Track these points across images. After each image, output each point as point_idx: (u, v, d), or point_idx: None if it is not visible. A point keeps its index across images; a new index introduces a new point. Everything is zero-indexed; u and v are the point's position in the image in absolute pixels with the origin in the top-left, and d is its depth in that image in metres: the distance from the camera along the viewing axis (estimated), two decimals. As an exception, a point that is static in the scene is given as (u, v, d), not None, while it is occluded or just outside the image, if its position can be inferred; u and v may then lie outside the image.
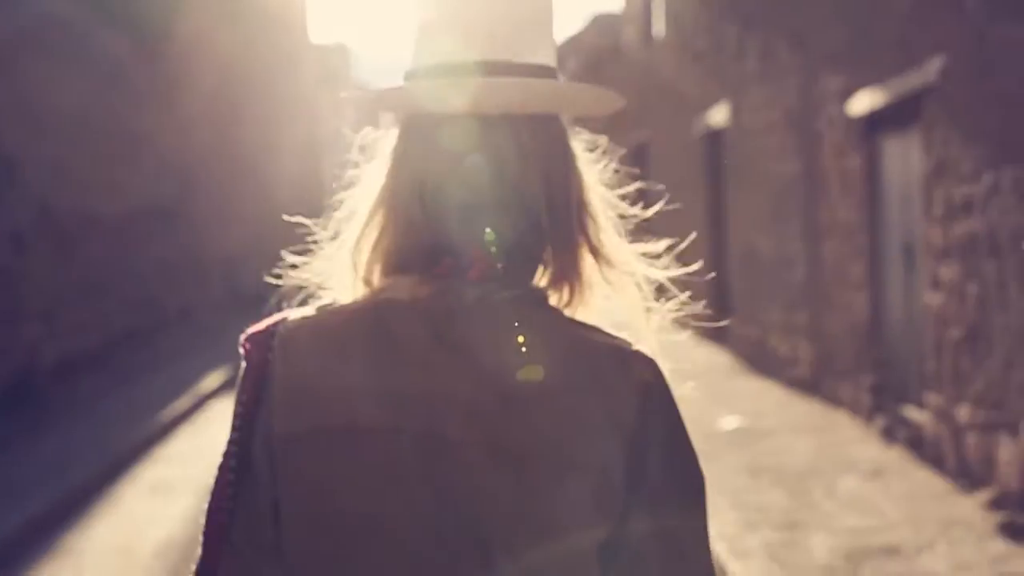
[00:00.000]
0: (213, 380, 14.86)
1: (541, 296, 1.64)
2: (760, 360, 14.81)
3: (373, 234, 1.65)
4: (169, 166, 18.86)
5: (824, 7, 12.09)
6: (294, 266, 1.76)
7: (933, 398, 9.47)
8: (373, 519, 1.52)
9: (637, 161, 19.47)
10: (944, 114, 9.16)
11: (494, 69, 1.60)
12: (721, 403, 12.47)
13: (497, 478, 1.51)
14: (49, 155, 13.80)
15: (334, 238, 1.72)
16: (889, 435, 10.33)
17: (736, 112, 15.68)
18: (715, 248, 17.13)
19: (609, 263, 1.69)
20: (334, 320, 1.60)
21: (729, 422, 11.44)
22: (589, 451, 1.53)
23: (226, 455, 1.62)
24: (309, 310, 1.65)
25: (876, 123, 10.88)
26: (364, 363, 1.55)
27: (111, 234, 15.86)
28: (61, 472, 10.16)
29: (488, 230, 1.56)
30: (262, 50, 27.76)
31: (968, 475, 8.80)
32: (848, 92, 11.30)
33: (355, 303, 1.63)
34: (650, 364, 1.61)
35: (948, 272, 9.10)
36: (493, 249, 1.56)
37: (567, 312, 1.68)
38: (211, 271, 21.27)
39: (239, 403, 1.62)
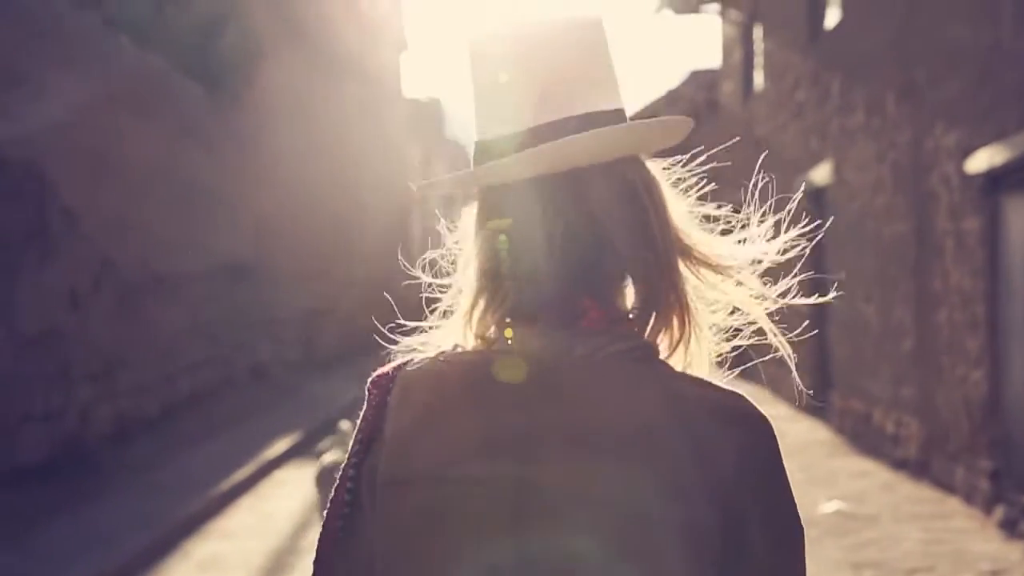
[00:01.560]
0: (280, 446, 14.07)
1: (651, 349, 1.63)
2: (863, 438, 13.76)
3: (481, 303, 1.65)
4: (246, 220, 18.26)
5: (938, 55, 11.14)
6: (404, 332, 1.81)
7: (1063, 490, 8.43)
8: (457, 568, 1.52)
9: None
10: (1078, 172, 8.18)
11: (550, 131, 1.60)
12: (820, 484, 11.47)
13: (584, 531, 1.50)
14: (114, 208, 13.19)
15: (445, 315, 1.75)
16: (1011, 528, 9.27)
17: (839, 169, 14.71)
18: (816, 315, 16.13)
19: (707, 262, 1.69)
20: (450, 368, 1.62)
21: (829, 506, 10.44)
22: (676, 508, 1.49)
23: (338, 488, 1.65)
24: (430, 354, 1.67)
25: (998, 182, 9.90)
26: (469, 412, 1.57)
27: (180, 291, 15.23)
28: (106, 545, 9.43)
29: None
30: (352, 102, 27.22)
31: (1106, 581, 7.76)
32: (966, 148, 10.33)
33: (472, 352, 1.65)
34: (756, 421, 1.56)
35: (1082, 349, 8.08)
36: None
37: (678, 361, 1.67)
38: (287, 329, 20.54)
39: (356, 442, 1.65)
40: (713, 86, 24.24)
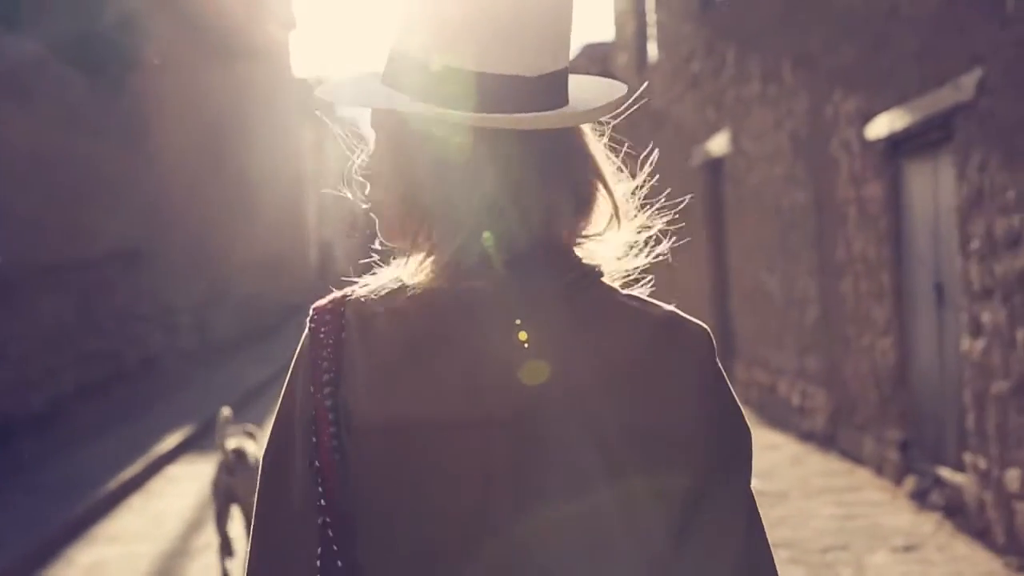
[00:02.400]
0: (172, 440, 13.56)
1: (598, 275, 1.64)
2: (768, 409, 13.58)
3: (431, 238, 1.58)
4: (135, 207, 17.61)
5: (833, 21, 10.93)
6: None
7: (974, 459, 8.26)
8: (456, 514, 1.51)
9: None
10: (981, 135, 7.98)
11: (526, 87, 1.58)
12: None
13: (588, 463, 1.52)
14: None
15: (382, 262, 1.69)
16: (922, 499, 9.11)
17: (737, 139, 14.49)
18: (717, 286, 15.94)
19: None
20: (413, 307, 1.57)
21: (739, 483, 10.21)
22: (659, 422, 1.55)
23: (319, 432, 1.53)
24: (375, 288, 1.61)
25: (899, 147, 9.71)
26: (447, 350, 1.53)
27: (66, 281, 14.64)
28: (-17, 555, 8.94)
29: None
30: (241, 84, 26.55)
31: (1021, 552, 7.58)
32: (865, 113, 10.13)
33: (431, 291, 1.57)
34: (703, 333, 1.64)
35: (991, 315, 7.90)
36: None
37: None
38: (181, 317, 19.91)
39: (320, 381, 1.54)
40: (606, 59, 23.95)
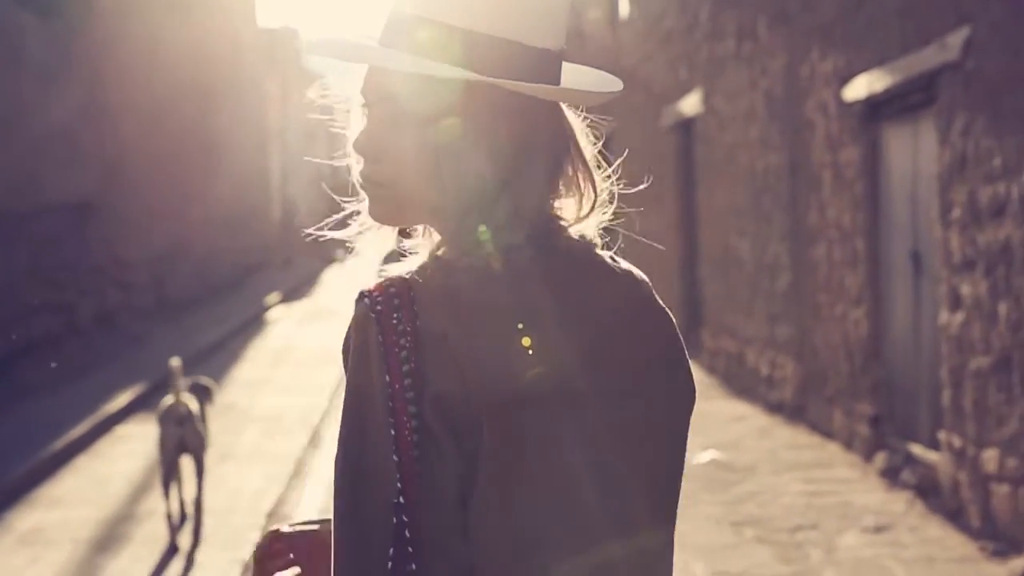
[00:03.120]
0: (123, 398, 13.13)
1: (592, 241, 1.73)
2: (736, 379, 13.25)
3: (453, 212, 1.62)
4: (92, 157, 17.08)
5: (813, -22, 10.53)
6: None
7: (950, 437, 7.93)
8: (570, 483, 1.55)
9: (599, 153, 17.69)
10: (967, 98, 7.60)
11: (544, 58, 1.62)
12: (693, 430, 10.87)
13: (654, 424, 1.66)
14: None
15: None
16: (893, 477, 8.80)
17: (709, 98, 14.09)
18: (685, 249, 15.57)
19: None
20: (468, 282, 1.56)
21: (703, 455, 9.88)
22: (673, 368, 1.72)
23: (397, 425, 1.47)
24: (414, 267, 1.60)
25: (878, 109, 9.33)
26: (526, 328, 1.54)
27: (15, 232, 14.14)
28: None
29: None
30: (203, 33, 25.91)
31: (997, 536, 7.27)
32: (843, 74, 9.75)
33: (478, 267, 1.57)
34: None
35: (971, 287, 7.55)
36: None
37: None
38: (137, 273, 19.39)
39: (401, 372, 1.48)
40: (579, 14, 23.51)
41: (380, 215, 1.69)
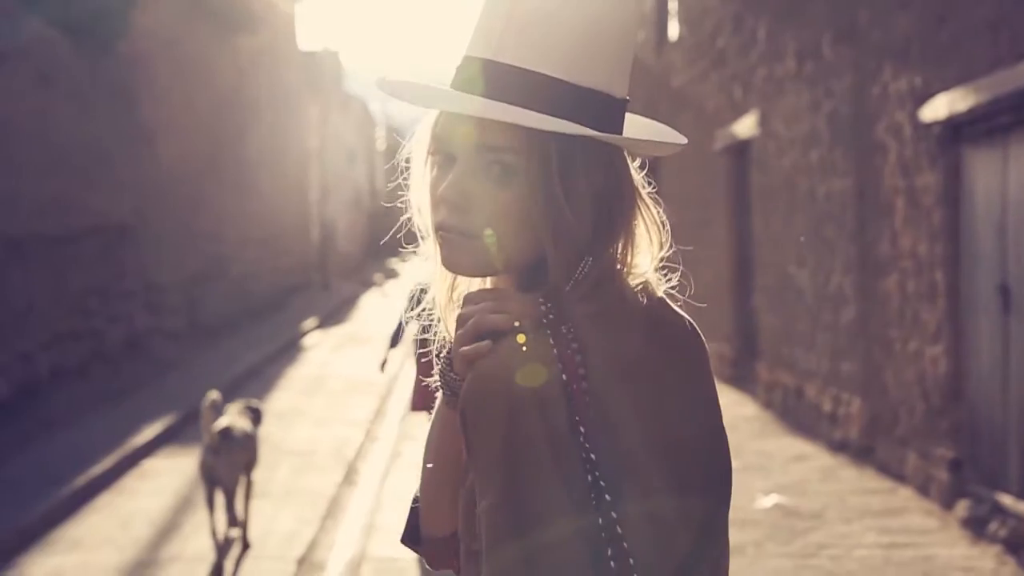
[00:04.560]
0: (151, 431, 12.55)
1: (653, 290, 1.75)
2: (793, 414, 12.55)
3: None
4: (126, 179, 16.56)
5: (883, -8, 9.88)
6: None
7: (1045, 488, 7.24)
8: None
9: (647, 179, 16.95)
10: (1067, 118, 6.94)
11: (506, 75, 1.62)
12: (754, 470, 10.24)
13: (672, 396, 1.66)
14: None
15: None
16: (977, 528, 8.10)
17: (766, 120, 13.42)
18: (740, 279, 14.89)
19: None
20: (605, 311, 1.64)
21: (767, 500, 9.21)
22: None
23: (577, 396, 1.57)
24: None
25: (960, 131, 8.67)
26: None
27: (42, 257, 13.61)
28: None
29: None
30: (242, 55, 25.44)
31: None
32: (920, 94, 9.09)
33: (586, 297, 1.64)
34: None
35: (1072, 326, 6.87)
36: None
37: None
38: (171, 295, 18.83)
39: (576, 374, 1.57)
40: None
41: (456, 264, 1.68)
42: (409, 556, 8.27)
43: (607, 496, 1.53)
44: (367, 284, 38.94)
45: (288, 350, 21.22)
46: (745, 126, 14.13)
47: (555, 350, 1.57)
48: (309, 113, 36.33)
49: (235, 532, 8.45)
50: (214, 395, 8.21)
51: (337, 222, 41.94)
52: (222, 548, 8.05)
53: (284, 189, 30.10)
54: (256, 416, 8.68)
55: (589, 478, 1.53)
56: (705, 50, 16.36)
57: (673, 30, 18.87)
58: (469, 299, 1.67)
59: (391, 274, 46.80)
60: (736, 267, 14.96)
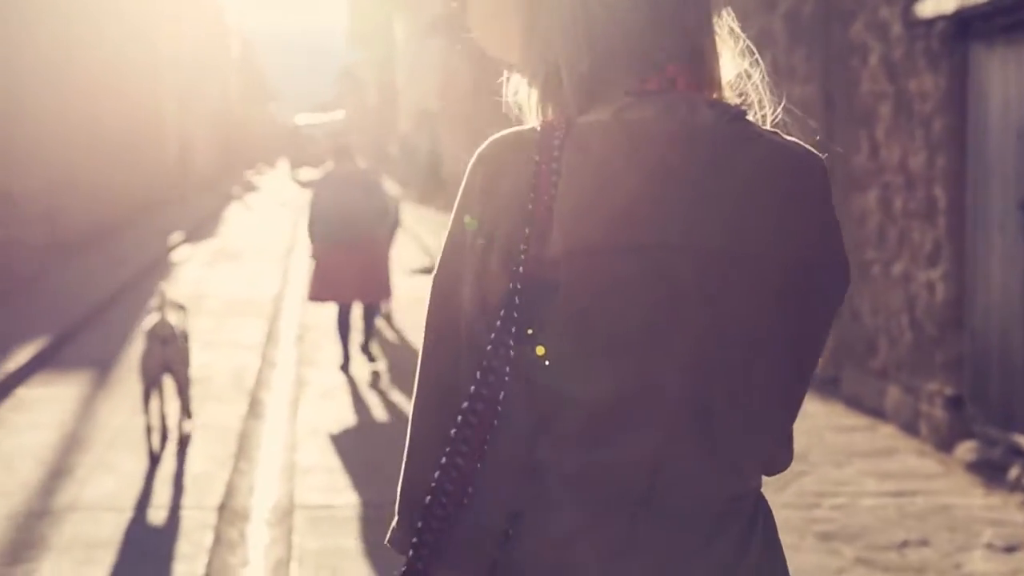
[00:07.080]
0: (23, 355, 11.19)
1: (743, 111, 1.64)
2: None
3: (566, 73, 1.59)
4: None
5: None
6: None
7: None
8: (651, 331, 1.50)
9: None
10: None
11: None
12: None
13: (758, 290, 1.53)
14: None
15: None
16: (989, 474, 7.26)
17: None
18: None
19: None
20: (592, 136, 1.55)
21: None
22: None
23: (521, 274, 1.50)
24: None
25: (968, 28, 7.73)
26: (637, 181, 1.52)
27: None
28: None
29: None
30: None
31: None
32: (917, -13, 8.14)
33: (598, 121, 1.56)
34: (822, 165, 1.70)
35: None
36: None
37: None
38: (25, 208, 17.14)
39: (546, 206, 1.50)
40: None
41: (496, 43, 1.70)
42: (345, 503, 7.23)
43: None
44: (227, 197, 37.34)
45: (158, 266, 19.78)
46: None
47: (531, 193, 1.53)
48: (161, 12, 34.32)
49: (188, 425, 8.60)
50: (163, 287, 8.43)
51: (194, 134, 40.04)
52: (156, 458, 8.06)
53: (133, 97, 28.19)
54: (183, 314, 8.70)
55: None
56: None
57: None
58: None
59: (249, 187, 45.18)
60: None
